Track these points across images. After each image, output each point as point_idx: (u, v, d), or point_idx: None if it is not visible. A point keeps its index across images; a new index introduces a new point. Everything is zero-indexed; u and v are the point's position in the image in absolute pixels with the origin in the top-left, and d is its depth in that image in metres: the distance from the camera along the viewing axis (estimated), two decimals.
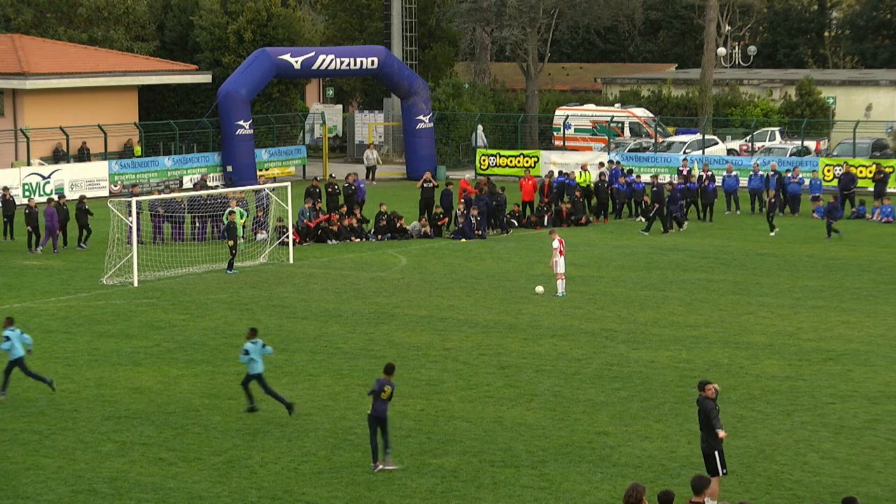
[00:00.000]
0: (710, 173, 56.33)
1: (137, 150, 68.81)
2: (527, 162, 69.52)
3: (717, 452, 21.58)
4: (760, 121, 74.63)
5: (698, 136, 69.61)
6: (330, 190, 54.11)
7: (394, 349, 32.58)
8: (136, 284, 41.23)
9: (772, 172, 57.41)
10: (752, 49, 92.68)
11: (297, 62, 67.26)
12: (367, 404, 23.81)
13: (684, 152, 66.52)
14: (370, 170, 70.90)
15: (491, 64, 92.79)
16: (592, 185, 56.67)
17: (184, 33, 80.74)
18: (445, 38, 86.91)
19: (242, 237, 46.40)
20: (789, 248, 48.09)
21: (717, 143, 69.91)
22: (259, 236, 49.02)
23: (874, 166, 59.45)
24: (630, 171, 59.37)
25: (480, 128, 74.55)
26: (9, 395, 28.40)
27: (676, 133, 73.70)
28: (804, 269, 43.95)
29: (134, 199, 43.71)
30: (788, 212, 57.05)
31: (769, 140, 70.98)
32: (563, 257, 39.14)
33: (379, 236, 51.24)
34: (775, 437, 25.46)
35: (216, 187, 61.45)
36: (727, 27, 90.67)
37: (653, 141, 70.22)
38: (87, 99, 70.19)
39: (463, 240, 50.42)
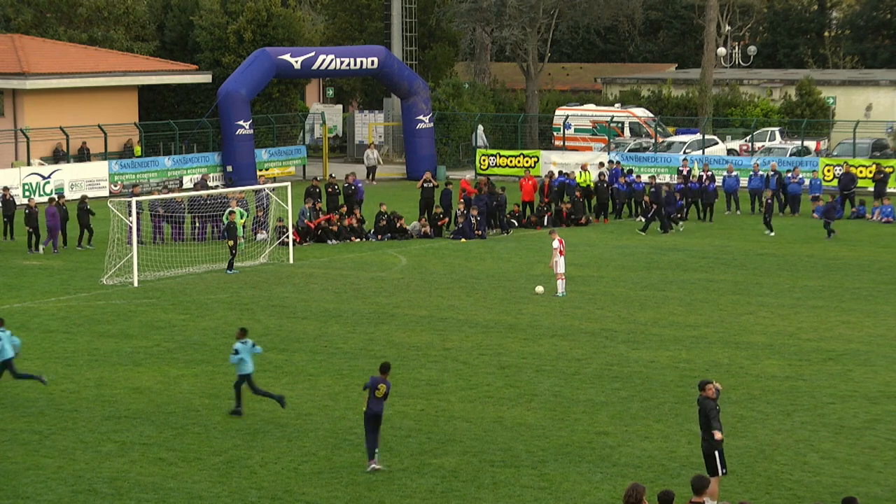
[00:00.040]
0: (710, 173, 56.33)
1: (137, 150, 68.82)
2: (527, 162, 69.52)
3: (717, 452, 21.58)
4: (760, 121, 74.63)
5: (698, 136, 69.61)
6: (330, 190, 54.11)
7: (394, 349, 32.58)
8: (136, 284, 41.23)
9: (772, 172, 57.43)
10: (752, 49, 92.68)
11: (297, 62, 67.26)
12: (365, 403, 23.78)
13: (684, 152, 66.53)
14: (371, 170, 70.91)
15: (491, 64, 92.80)
16: (592, 185, 56.68)
17: (184, 33, 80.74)
18: (445, 38, 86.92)
19: (242, 237, 46.42)
20: (789, 248, 48.09)
21: (717, 143, 69.92)
22: (259, 236, 49.02)
23: (874, 166, 59.46)
24: (630, 171, 59.37)
25: (481, 128, 74.55)
26: None
27: (676, 133, 73.70)
28: (804, 269, 43.96)
29: (134, 199, 43.71)
30: (788, 212, 57.09)
31: (769, 140, 70.98)
32: (563, 257, 39.14)
33: (379, 236, 51.24)
34: (775, 437, 25.46)
35: (216, 187, 61.44)
36: (727, 27, 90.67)
37: (653, 141, 70.23)
38: (87, 99, 70.19)
39: (463, 240, 50.42)
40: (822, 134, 73.42)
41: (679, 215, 54.90)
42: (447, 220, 52.65)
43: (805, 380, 29.66)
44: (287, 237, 46.75)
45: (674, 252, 47.30)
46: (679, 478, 22.86)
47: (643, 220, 53.04)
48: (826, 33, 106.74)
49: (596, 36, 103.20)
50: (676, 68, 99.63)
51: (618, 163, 61.39)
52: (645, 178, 57.41)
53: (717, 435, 21.49)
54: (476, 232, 50.89)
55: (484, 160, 71.18)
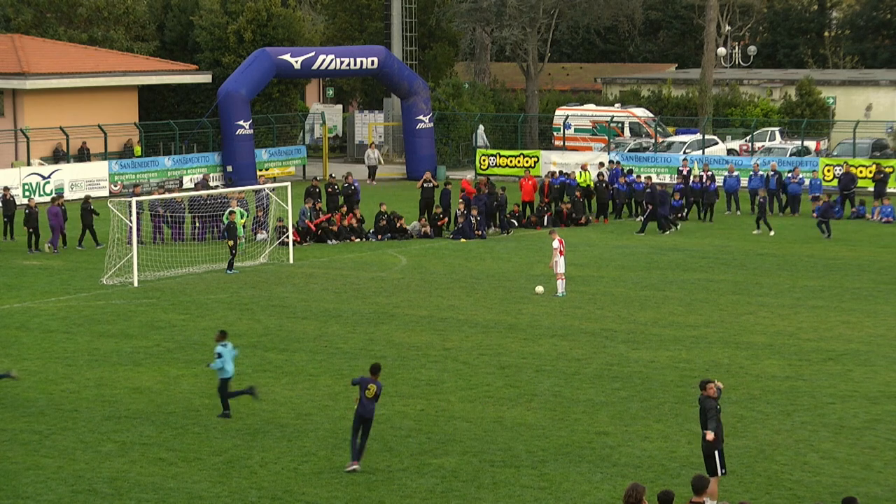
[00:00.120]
0: (710, 173, 56.34)
1: (137, 150, 68.82)
2: (527, 162, 69.53)
3: (716, 453, 21.58)
4: (760, 121, 74.63)
5: (698, 136, 69.62)
6: (330, 190, 54.13)
7: (394, 349, 32.59)
8: (136, 284, 41.23)
9: (772, 172, 57.44)
10: (752, 49, 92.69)
11: (297, 62, 67.26)
12: (357, 402, 23.74)
13: (684, 152, 66.53)
14: (371, 169, 70.92)
15: (491, 64, 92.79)
16: (592, 185, 56.69)
17: (184, 33, 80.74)
18: (445, 38, 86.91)
19: (242, 237, 46.44)
20: (789, 248, 48.09)
21: (717, 143, 69.93)
22: (259, 236, 49.03)
23: (874, 166, 59.46)
24: (630, 171, 59.37)
25: (482, 128, 74.54)
26: None
27: (676, 133, 73.70)
28: (804, 269, 43.96)
29: (134, 199, 43.70)
30: (789, 212, 57.10)
31: (769, 140, 70.99)
32: (563, 257, 39.15)
33: (379, 236, 51.24)
34: (775, 437, 25.46)
35: (216, 187, 61.44)
36: (727, 27, 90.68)
37: (653, 141, 70.24)
38: (87, 99, 70.20)
39: (463, 240, 50.42)
40: (822, 134, 73.43)
41: (680, 215, 54.98)
42: (447, 220, 52.65)
43: (805, 380, 29.66)
44: (287, 237, 46.75)
45: (674, 252, 47.30)
46: (679, 478, 22.86)
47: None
48: (826, 33, 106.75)
49: (596, 36, 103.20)
50: (676, 68, 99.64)
51: (618, 163, 61.40)
52: (641, 178, 57.43)
53: (709, 436, 21.47)
54: (476, 232, 50.89)
55: (484, 160, 71.19)
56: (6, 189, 50.93)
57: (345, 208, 52.18)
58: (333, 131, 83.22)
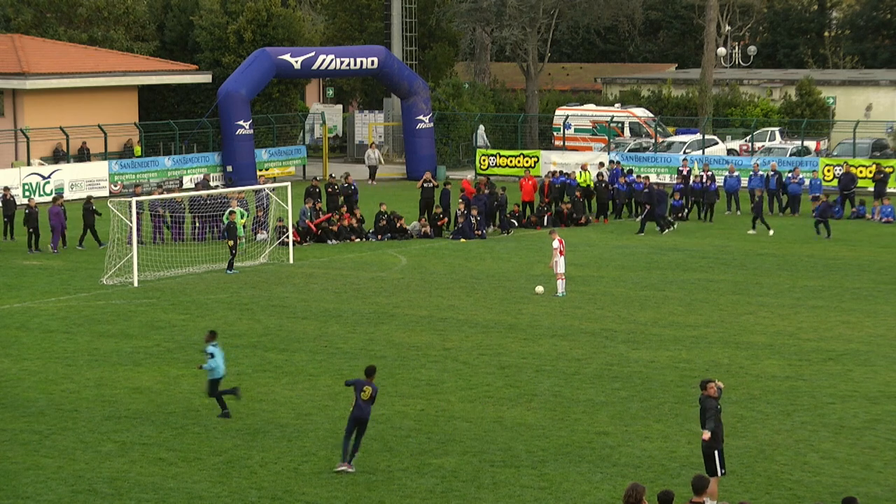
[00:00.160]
0: (710, 173, 56.34)
1: (137, 150, 68.83)
2: (527, 162, 69.53)
3: (716, 453, 21.58)
4: (760, 121, 74.63)
5: (698, 136, 69.62)
6: (330, 190, 54.14)
7: (394, 349, 32.59)
8: (136, 284, 41.23)
9: (772, 172, 57.45)
10: (752, 49, 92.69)
11: (297, 62, 67.26)
12: (352, 405, 23.74)
13: (684, 152, 66.53)
14: (372, 170, 70.93)
15: (491, 64, 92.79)
16: (592, 184, 56.70)
17: (184, 33, 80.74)
18: (445, 38, 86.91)
19: (243, 237, 46.43)
20: (789, 248, 48.09)
21: (717, 143, 69.94)
22: (259, 236, 49.03)
23: (874, 166, 59.45)
24: (630, 171, 59.37)
25: (482, 128, 74.52)
26: None
27: (676, 133, 73.70)
28: (804, 269, 43.96)
29: (134, 199, 43.70)
30: (789, 212, 57.10)
31: (769, 140, 70.99)
32: (563, 257, 39.15)
33: (379, 236, 51.24)
34: (775, 437, 25.46)
35: (216, 187, 61.43)
36: (727, 27, 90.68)
37: (653, 141, 70.24)
38: (87, 99, 70.20)
39: (463, 240, 50.42)
40: (822, 134, 73.43)
41: (680, 214, 55.03)
42: (447, 220, 52.65)
43: (805, 380, 29.66)
44: (287, 237, 46.75)
45: (674, 252, 47.30)
46: (679, 478, 22.86)
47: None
48: (826, 33, 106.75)
49: (596, 36, 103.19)
50: (676, 68, 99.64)
51: (618, 163, 61.39)
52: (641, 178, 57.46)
53: (705, 435, 21.48)
54: (476, 232, 50.89)
55: (484, 160, 71.19)
56: (6, 189, 50.93)
57: (344, 208, 52.19)
58: (333, 131, 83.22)
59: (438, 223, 52.38)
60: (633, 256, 46.46)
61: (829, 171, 61.86)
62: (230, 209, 45.32)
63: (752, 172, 57.94)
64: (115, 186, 62.72)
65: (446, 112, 75.61)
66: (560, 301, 38.47)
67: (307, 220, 50.50)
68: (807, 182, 58.49)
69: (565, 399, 28.18)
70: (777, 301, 38.38)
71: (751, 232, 51.35)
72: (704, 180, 55.75)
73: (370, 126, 77.26)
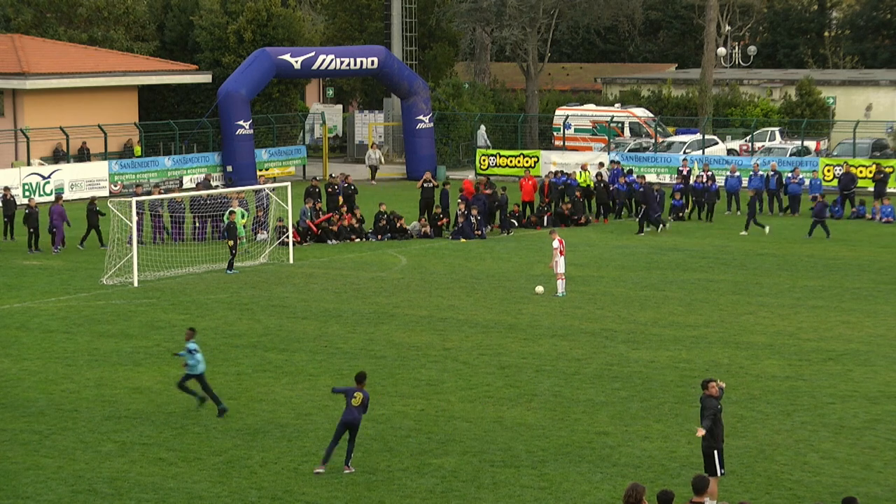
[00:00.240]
0: (710, 173, 56.34)
1: (137, 150, 68.83)
2: (527, 162, 69.53)
3: (716, 452, 21.59)
4: (760, 121, 74.64)
5: (698, 136, 69.62)
6: (330, 190, 54.14)
7: (394, 349, 32.59)
8: (136, 284, 41.23)
9: (772, 172, 57.45)
10: (752, 49, 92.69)
11: (297, 62, 67.26)
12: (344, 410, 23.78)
13: (684, 152, 66.53)
14: (373, 170, 70.92)
15: (491, 64, 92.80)
16: (592, 184, 56.71)
17: (184, 33, 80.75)
18: (445, 38, 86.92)
19: (243, 237, 46.41)
20: (789, 248, 48.09)
21: (717, 143, 69.94)
22: (259, 236, 49.04)
23: (874, 166, 59.46)
24: (630, 171, 59.36)
25: (483, 128, 74.52)
26: None
27: (676, 133, 73.70)
28: (804, 269, 43.96)
29: (134, 199, 43.70)
30: (789, 212, 57.10)
31: (769, 140, 70.99)
32: (563, 257, 39.15)
33: (379, 236, 51.24)
34: (775, 437, 25.46)
35: (216, 187, 61.44)
36: (727, 27, 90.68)
37: (653, 141, 70.24)
38: (87, 99, 70.21)
39: (463, 240, 50.42)
40: (822, 134, 73.44)
41: (681, 214, 55.05)
42: (447, 220, 52.66)
43: (805, 380, 29.66)
44: (287, 237, 46.75)
45: (674, 252, 47.30)
46: (679, 478, 22.86)
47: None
48: (826, 33, 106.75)
49: (596, 36, 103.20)
50: (676, 68, 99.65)
51: (618, 163, 61.39)
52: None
53: (699, 432, 21.51)
54: (476, 232, 50.89)
55: (484, 160, 71.19)
56: (6, 189, 50.94)
57: (344, 208, 52.20)
58: (333, 131, 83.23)
59: (438, 223, 52.38)
60: (633, 256, 46.47)
61: (829, 171, 61.86)
62: (230, 209, 45.30)
63: (751, 172, 57.96)
64: (116, 186, 62.72)
65: (446, 112, 75.61)
66: (560, 301, 38.47)
67: (307, 220, 50.50)
68: (807, 182, 58.49)
69: (565, 399, 28.18)
70: (777, 301, 38.38)
71: (743, 233, 51.32)
72: (705, 180, 55.76)
73: (370, 126, 77.27)
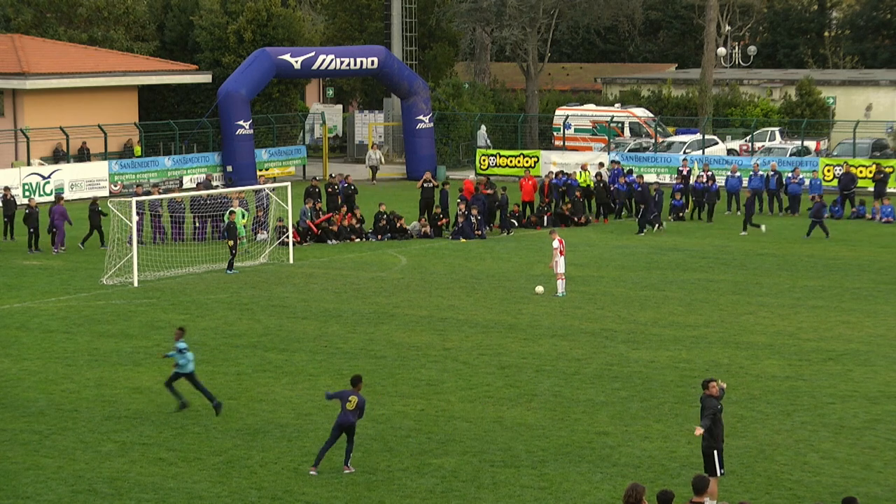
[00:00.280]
0: (710, 173, 56.34)
1: (137, 150, 68.83)
2: (527, 162, 69.53)
3: (716, 452, 21.59)
4: (760, 121, 74.63)
5: (698, 136, 69.62)
6: (330, 190, 54.15)
7: (394, 349, 32.58)
8: (136, 284, 41.23)
9: (772, 172, 57.46)
10: (752, 49, 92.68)
11: (297, 62, 67.26)
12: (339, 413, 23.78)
13: (684, 152, 66.53)
14: (373, 170, 70.93)
15: (491, 64, 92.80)
16: (592, 184, 56.71)
17: (184, 33, 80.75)
18: (445, 38, 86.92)
19: (243, 237, 46.40)
20: (789, 248, 48.09)
21: (717, 143, 69.94)
22: (259, 236, 49.04)
23: (874, 166, 59.45)
24: (630, 172, 59.36)
25: (483, 128, 74.51)
26: None
27: (676, 133, 73.70)
28: (804, 269, 43.96)
29: (134, 199, 43.70)
30: (789, 212, 57.10)
31: (769, 140, 70.99)
32: (563, 257, 39.15)
33: (379, 236, 51.24)
34: (775, 437, 25.46)
35: (216, 187, 61.42)
36: (727, 27, 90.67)
37: (653, 141, 70.24)
38: (87, 99, 70.21)
39: (463, 240, 50.42)
40: (822, 134, 73.43)
41: (681, 214, 55.05)
42: (447, 220, 52.66)
43: (805, 380, 29.66)
44: (287, 237, 46.75)
45: (674, 252, 47.30)
46: (679, 478, 22.86)
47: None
48: (826, 33, 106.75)
49: (596, 36, 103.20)
50: (676, 68, 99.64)
51: (618, 163, 61.38)
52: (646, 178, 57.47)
53: (697, 431, 21.52)
54: (476, 232, 50.89)
55: (484, 160, 71.19)
56: (6, 189, 50.94)
57: (344, 208, 52.20)
58: (333, 131, 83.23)
59: (438, 223, 52.38)
60: (633, 256, 46.46)
61: (829, 171, 61.85)
62: (230, 209, 45.30)
63: (751, 172, 57.96)
64: (116, 186, 62.72)
65: (446, 112, 75.61)
66: (560, 301, 38.47)
67: (307, 220, 50.50)
68: (807, 182, 58.49)
69: (565, 399, 28.18)
70: (777, 301, 38.38)
71: (742, 234, 51.33)
72: (705, 180, 55.75)
73: (370, 126, 77.26)
